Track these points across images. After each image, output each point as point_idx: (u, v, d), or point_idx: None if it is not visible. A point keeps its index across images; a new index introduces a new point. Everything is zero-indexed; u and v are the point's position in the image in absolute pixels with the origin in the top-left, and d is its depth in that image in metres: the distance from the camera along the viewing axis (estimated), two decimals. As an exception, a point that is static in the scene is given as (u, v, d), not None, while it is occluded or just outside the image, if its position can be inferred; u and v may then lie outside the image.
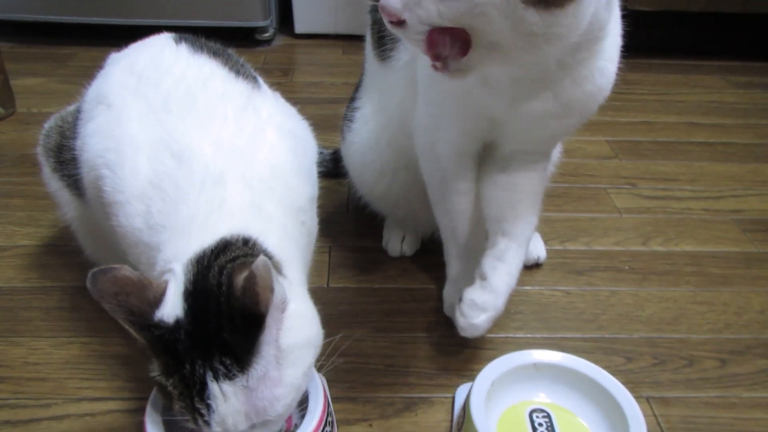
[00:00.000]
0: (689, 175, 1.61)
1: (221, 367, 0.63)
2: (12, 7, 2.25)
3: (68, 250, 1.13)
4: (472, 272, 1.09)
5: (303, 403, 0.83)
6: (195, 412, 0.65)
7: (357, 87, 1.22)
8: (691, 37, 2.42)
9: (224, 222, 0.72)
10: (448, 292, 1.11)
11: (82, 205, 0.92)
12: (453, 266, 1.10)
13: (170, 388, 0.65)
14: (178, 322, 0.65)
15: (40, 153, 0.97)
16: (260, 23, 2.32)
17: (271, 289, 0.61)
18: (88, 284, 0.62)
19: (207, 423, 0.65)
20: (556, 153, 1.13)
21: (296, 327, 0.68)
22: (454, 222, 1.04)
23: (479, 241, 1.06)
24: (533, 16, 0.63)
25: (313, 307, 0.74)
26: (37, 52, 2.25)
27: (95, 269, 0.62)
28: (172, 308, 0.65)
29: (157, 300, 0.65)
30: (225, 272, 0.66)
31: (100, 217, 0.83)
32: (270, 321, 0.63)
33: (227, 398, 0.64)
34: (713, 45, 2.42)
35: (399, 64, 1.01)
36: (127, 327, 0.64)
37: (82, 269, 1.07)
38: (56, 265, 1.19)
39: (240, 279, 0.64)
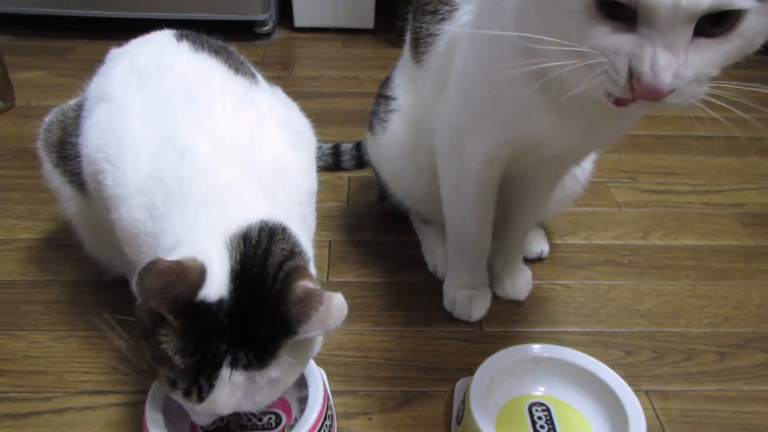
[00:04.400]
0: (689, 168, 1.61)
1: (243, 357, 0.64)
2: (11, 0, 2.24)
3: (68, 244, 1.13)
4: (474, 269, 1.09)
5: (303, 396, 0.83)
6: (194, 386, 0.65)
7: (388, 84, 1.15)
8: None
9: (250, 201, 0.72)
10: (449, 287, 1.11)
11: (84, 200, 0.92)
12: (455, 263, 1.10)
13: (179, 362, 0.64)
14: (221, 302, 0.64)
15: (41, 148, 0.97)
16: (260, 17, 2.32)
17: (328, 328, 0.63)
18: (136, 287, 0.61)
19: (201, 399, 0.65)
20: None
21: (315, 344, 0.70)
22: (462, 224, 1.04)
23: (484, 240, 1.06)
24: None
25: None
26: (36, 46, 2.24)
27: (139, 271, 0.61)
28: (217, 288, 0.64)
29: (200, 280, 0.63)
30: (284, 269, 0.67)
31: (101, 210, 0.83)
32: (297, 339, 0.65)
33: (232, 385, 0.64)
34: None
35: (430, 68, 0.98)
36: (167, 315, 0.62)
37: (82, 263, 1.08)
38: (56, 258, 1.19)
39: (298, 288, 0.64)
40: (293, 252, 0.70)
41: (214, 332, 0.63)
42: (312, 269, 0.74)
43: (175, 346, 0.64)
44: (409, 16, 1.07)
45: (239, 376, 0.64)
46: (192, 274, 0.63)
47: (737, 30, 0.56)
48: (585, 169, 1.15)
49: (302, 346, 0.68)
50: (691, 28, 0.55)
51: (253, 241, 0.67)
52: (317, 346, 0.72)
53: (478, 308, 1.08)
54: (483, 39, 0.81)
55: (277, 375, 0.66)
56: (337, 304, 0.63)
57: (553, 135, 0.81)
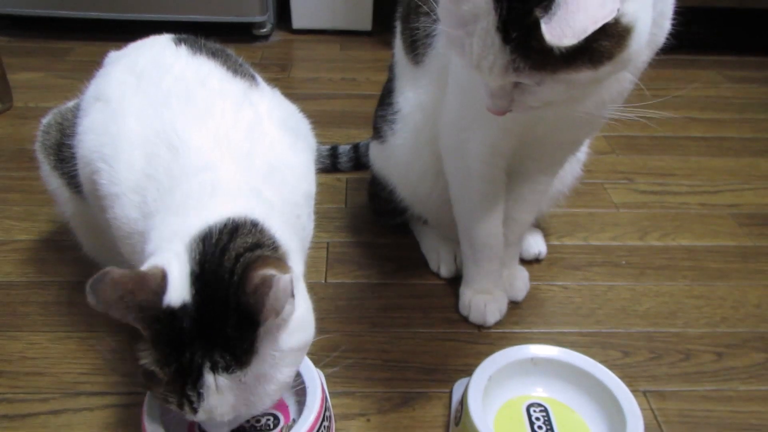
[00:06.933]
0: (686, 169, 1.61)
1: (220, 360, 0.63)
2: (9, 1, 2.24)
3: (66, 245, 1.13)
4: (488, 274, 1.08)
5: (301, 398, 0.83)
6: (184, 398, 0.64)
7: (390, 90, 1.15)
8: (687, 32, 2.42)
9: (225, 201, 0.71)
10: (464, 292, 1.11)
11: (82, 202, 0.92)
12: (470, 270, 1.09)
13: (161, 375, 0.64)
14: (185, 306, 0.63)
15: (39, 150, 0.97)
16: (258, 18, 2.32)
17: (277, 312, 0.61)
18: (90, 300, 0.60)
19: (194, 410, 0.65)
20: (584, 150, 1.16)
21: (298, 331, 0.68)
22: (472, 225, 1.04)
23: (496, 241, 1.06)
24: (587, 76, 0.64)
25: (311, 304, 0.73)
26: (34, 47, 2.24)
27: (89, 282, 0.60)
28: (179, 292, 0.63)
29: (161, 286, 0.63)
30: (242, 261, 0.65)
31: (97, 212, 0.83)
32: (267, 328, 0.63)
33: (220, 390, 0.64)
34: (710, 40, 2.41)
35: (432, 68, 0.99)
36: (137, 325, 0.62)
37: (80, 264, 1.08)
38: (54, 259, 1.19)
39: (256, 277, 0.62)
40: (259, 244, 0.68)
41: (185, 339, 0.63)
42: (295, 263, 0.71)
43: (152, 359, 0.64)
44: (397, 22, 1.07)
45: (224, 380, 0.63)
46: (152, 281, 0.63)
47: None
48: (579, 159, 1.16)
49: (280, 335, 0.65)
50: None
51: (213, 240, 0.66)
52: (302, 332, 0.69)
53: (493, 313, 1.08)
54: None
55: (265, 370, 0.65)
56: (281, 281, 0.60)
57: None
